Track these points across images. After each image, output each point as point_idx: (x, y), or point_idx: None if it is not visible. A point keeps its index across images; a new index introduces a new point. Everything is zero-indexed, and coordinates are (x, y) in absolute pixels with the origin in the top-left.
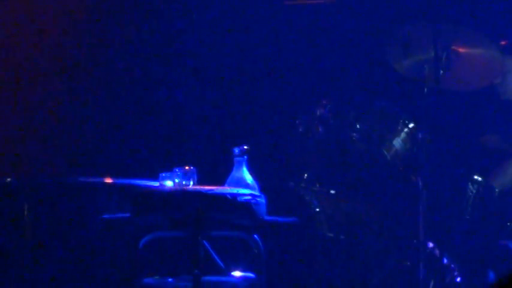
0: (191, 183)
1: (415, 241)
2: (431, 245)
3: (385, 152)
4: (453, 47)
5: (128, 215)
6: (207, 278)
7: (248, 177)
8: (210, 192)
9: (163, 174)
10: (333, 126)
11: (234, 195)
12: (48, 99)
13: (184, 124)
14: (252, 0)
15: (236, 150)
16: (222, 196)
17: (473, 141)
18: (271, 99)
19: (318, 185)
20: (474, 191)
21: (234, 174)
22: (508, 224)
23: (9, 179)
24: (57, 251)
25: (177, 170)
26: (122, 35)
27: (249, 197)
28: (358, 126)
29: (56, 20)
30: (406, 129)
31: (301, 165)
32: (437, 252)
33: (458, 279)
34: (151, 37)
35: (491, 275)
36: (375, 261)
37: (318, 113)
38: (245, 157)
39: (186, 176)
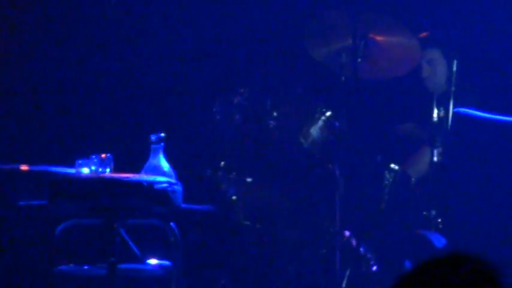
0: (108, 170)
1: (331, 229)
2: (347, 233)
3: (302, 140)
4: (371, 36)
5: (44, 202)
6: (123, 265)
7: (165, 165)
8: (126, 179)
9: (80, 161)
10: (249, 114)
11: (151, 183)
12: None
13: (101, 111)
14: None
15: (153, 137)
16: (139, 184)
17: (389, 130)
18: (187, 86)
19: (234, 173)
20: (390, 180)
21: (151, 161)
22: (424, 213)
23: None
24: None
25: (93, 157)
26: (36, 23)
27: (165, 185)
28: (275, 114)
29: None
30: (323, 118)
31: (218, 153)
32: (353, 241)
33: (375, 268)
34: (66, 24)
35: (408, 264)
36: (290, 249)
37: (235, 100)
38: (162, 144)
39: (102, 163)
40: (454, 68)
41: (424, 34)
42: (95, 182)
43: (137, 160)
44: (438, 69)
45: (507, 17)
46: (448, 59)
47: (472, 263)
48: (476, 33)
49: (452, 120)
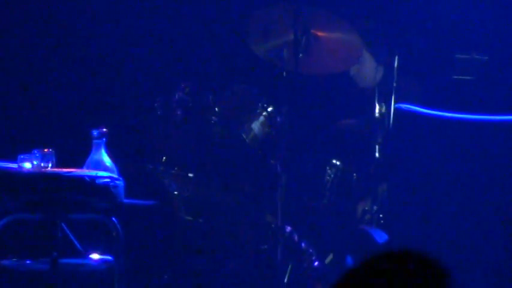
0: (49, 165)
1: (273, 225)
2: (289, 229)
3: (244, 136)
4: (312, 31)
5: None
6: (65, 260)
7: (107, 160)
8: (68, 174)
9: (22, 156)
10: (191, 109)
11: (93, 178)
12: None
13: (42, 106)
14: None
15: (95, 132)
16: (81, 178)
17: (331, 125)
18: (129, 81)
19: (176, 168)
20: (332, 176)
21: (93, 156)
22: (366, 208)
23: None
24: None
25: (35, 152)
26: None
27: (107, 180)
28: (216, 109)
29: None
30: (264, 113)
31: (159, 148)
32: (295, 236)
33: (316, 263)
34: (4, 20)
35: (349, 260)
36: (232, 244)
37: (177, 96)
38: (104, 139)
39: (44, 158)
40: (395, 64)
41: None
42: (37, 177)
43: (79, 155)
44: (365, 66)
45: (447, 11)
46: (384, 55)
47: (420, 258)
48: (416, 29)
49: (393, 116)
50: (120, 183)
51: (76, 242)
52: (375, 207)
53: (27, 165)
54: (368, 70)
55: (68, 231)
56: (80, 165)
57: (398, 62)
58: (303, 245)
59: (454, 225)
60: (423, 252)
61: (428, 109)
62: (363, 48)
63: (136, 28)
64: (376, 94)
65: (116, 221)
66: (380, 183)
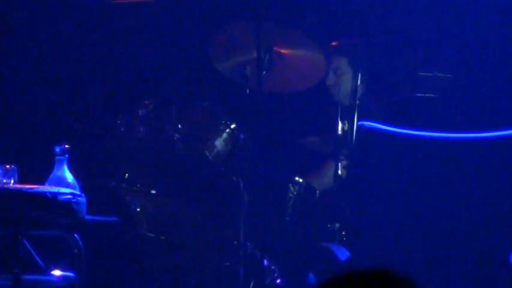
0: (12, 181)
1: (235, 242)
2: (251, 245)
3: (207, 153)
4: (275, 48)
5: None
6: (27, 276)
7: (69, 176)
8: (30, 190)
9: None
10: (154, 126)
11: (55, 194)
12: None
13: (5, 122)
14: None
15: (57, 149)
16: (43, 195)
17: (294, 143)
18: (92, 97)
19: (138, 185)
20: (295, 192)
21: (55, 173)
22: (329, 225)
23: None
24: None
25: None
26: None
27: (69, 196)
28: (179, 126)
29: None
30: (227, 130)
31: (122, 165)
32: (257, 253)
33: (279, 280)
34: None
35: (311, 277)
36: (195, 261)
37: (140, 112)
38: (66, 156)
39: (6, 174)
40: (359, 81)
41: (334, 43)
42: None
43: (41, 171)
44: (344, 78)
45: (410, 29)
46: (355, 70)
47: (384, 276)
48: (379, 46)
49: (356, 133)
50: (82, 199)
51: (38, 259)
52: (337, 225)
53: None
54: (345, 82)
55: (30, 248)
56: (42, 182)
57: (361, 79)
58: (265, 262)
59: (418, 242)
60: (387, 270)
61: (391, 126)
62: (329, 62)
63: (101, 45)
64: (339, 111)
65: (78, 238)
66: (343, 200)
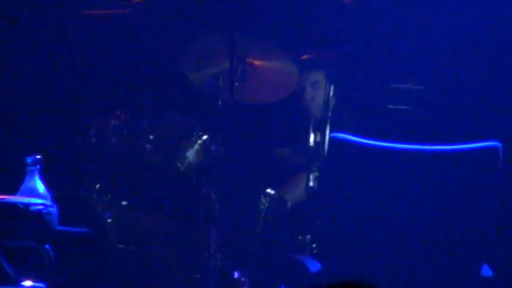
0: None
1: (206, 253)
2: (222, 257)
3: (178, 164)
4: (248, 60)
5: None
6: None
7: (40, 187)
8: (1, 201)
9: None
10: (126, 137)
11: (26, 205)
12: None
13: None
14: (48, 11)
15: (29, 159)
16: (14, 205)
17: (266, 154)
18: (64, 107)
19: (110, 196)
20: (266, 204)
21: (27, 183)
22: (300, 237)
23: None
24: None
25: None
26: None
27: (41, 207)
28: (151, 137)
29: None
30: (199, 141)
31: (93, 176)
32: (228, 265)
33: None
34: None
35: None
36: (165, 272)
37: (112, 122)
38: (38, 166)
39: None
40: (332, 93)
41: (305, 56)
42: None
43: (13, 182)
44: (321, 92)
45: (382, 41)
46: (328, 82)
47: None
48: (352, 57)
49: (329, 145)
50: (53, 210)
51: (9, 269)
52: (309, 237)
53: None
54: (319, 96)
55: (0, 258)
56: (13, 192)
57: (333, 91)
58: (236, 274)
59: (389, 253)
60: (360, 282)
61: (363, 138)
62: (305, 75)
63: (73, 54)
64: (312, 123)
65: (49, 248)
66: (314, 213)
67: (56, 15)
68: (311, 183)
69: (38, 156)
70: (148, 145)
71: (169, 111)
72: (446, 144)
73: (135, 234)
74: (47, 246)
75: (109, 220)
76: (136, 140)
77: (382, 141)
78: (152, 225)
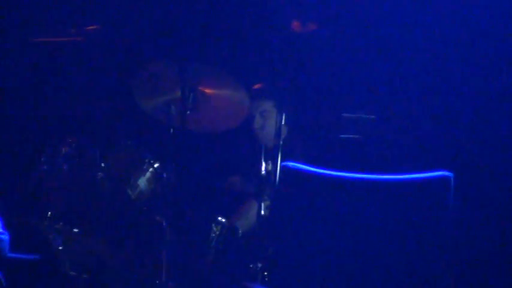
0: None
1: (157, 281)
2: (173, 285)
3: (130, 192)
4: (200, 88)
5: None
6: None
7: None
8: None
9: None
10: (77, 165)
11: None
12: None
13: None
14: None
15: None
16: None
17: (217, 182)
18: (15, 134)
19: (61, 223)
20: (217, 232)
21: None
22: (251, 265)
23: None
24: None
25: None
26: None
27: None
28: (103, 165)
29: None
30: (151, 169)
31: (45, 203)
32: None
33: None
34: None
35: None
36: None
37: (63, 150)
38: None
39: None
40: (283, 122)
41: (257, 86)
42: None
43: None
44: (270, 121)
45: (333, 70)
46: (279, 111)
47: None
48: (303, 87)
49: (280, 174)
50: (5, 237)
51: None
52: (260, 265)
53: None
54: (271, 125)
55: None
56: None
57: (285, 120)
58: None
59: (340, 281)
60: None
61: (315, 167)
62: (255, 104)
63: (24, 81)
64: (263, 151)
65: (0, 275)
66: (265, 241)
67: (5, 43)
68: (262, 212)
69: None
70: (99, 173)
71: (121, 139)
72: (397, 174)
73: (86, 262)
74: None
75: (60, 247)
76: (87, 167)
77: (333, 170)
78: (104, 253)
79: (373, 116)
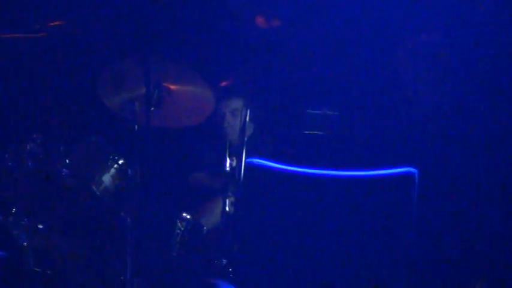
0: None
1: (122, 277)
2: (138, 281)
3: (94, 188)
4: (164, 84)
5: None
6: None
7: None
8: None
9: None
10: (42, 161)
11: None
12: None
13: None
14: None
15: None
16: None
17: (182, 179)
18: None
19: (26, 219)
20: (182, 228)
21: None
22: (216, 261)
23: None
24: None
25: None
26: None
27: None
28: (67, 161)
29: None
30: (116, 166)
31: (9, 199)
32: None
33: None
34: None
35: None
36: None
37: (28, 146)
38: None
39: None
40: (248, 118)
41: (224, 83)
42: None
43: None
44: (239, 119)
45: (298, 67)
46: (244, 108)
47: None
48: (268, 83)
49: (244, 170)
50: None
51: None
52: (225, 261)
53: None
54: (236, 121)
55: None
56: None
57: (250, 117)
58: None
59: (306, 277)
60: None
61: (279, 164)
62: (225, 102)
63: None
64: (228, 148)
65: None
66: (230, 237)
67: None
68: (227, 208)
69: None
70: (64, 169)
71: (85, 135)
72: (362, 170)
73: (51, 258)
74: None
75: (25, 243)
76: (52, 163)
77: (298, 167)
78: (68, 249)
79: (337, 112)
